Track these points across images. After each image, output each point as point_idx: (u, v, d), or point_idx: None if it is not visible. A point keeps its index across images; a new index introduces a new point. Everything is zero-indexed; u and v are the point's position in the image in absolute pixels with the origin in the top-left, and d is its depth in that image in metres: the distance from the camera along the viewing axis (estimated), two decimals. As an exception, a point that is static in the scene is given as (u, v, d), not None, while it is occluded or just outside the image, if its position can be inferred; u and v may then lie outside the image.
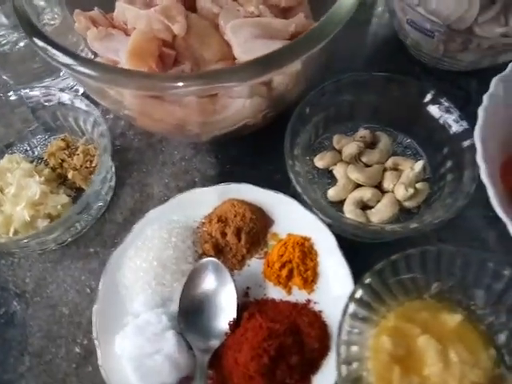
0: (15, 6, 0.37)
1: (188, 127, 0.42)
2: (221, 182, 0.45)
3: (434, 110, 0.43)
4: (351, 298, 0.33)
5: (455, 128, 0.41)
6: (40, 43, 0.35)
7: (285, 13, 0.47)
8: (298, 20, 0.45)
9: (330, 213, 0.38)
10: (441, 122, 0.42)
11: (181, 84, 0.32)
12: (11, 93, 0.45)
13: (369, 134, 0.46)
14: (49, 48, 0.34)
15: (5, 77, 0.50)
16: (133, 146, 0.50)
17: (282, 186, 0.44)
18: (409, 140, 0.46)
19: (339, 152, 0.46)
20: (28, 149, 0.48)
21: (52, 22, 0.47)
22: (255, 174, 0.48)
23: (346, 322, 0.32)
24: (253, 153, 0.49)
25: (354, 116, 0.47)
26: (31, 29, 0.36)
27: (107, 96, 0.39)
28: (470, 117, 0.40)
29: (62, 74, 0.51)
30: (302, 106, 0.42)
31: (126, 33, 0.45)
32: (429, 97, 0.43)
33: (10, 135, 0.48)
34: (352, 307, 0.33)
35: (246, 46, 0.42)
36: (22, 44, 0.47)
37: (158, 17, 0.42)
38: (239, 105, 0.40)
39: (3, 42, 0.46)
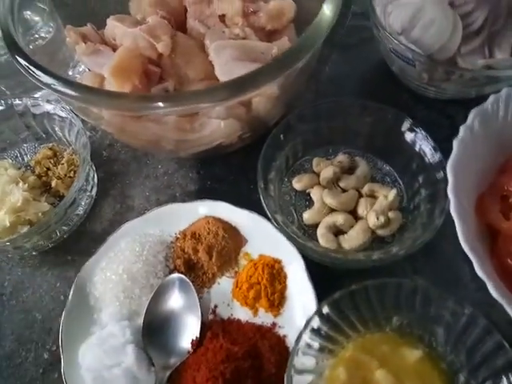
0: (0, 23, 0.39)
1: (163, 143, 0.42)
2: (200, 198, 0.46)
3: (410, 138, 0.43)
4: (306, 326, 0.33)
5: (431, 158, 0.41)
6: (22, 61, 0.36)
7: (270, 36, 0.48)
8: (280, 43, 0.45)
9: (297, 238, 0.39)
10: (417, 150, 0.42)
11: (153, 105, 0.33)
12: (2, 102, 0.47)
13: (347, 159, 0.46)
14: (30, 67, 0.36)
15: (2, 87, 0.51)
16: (119, 158, 0.52)
17: (260, 205, 0.44)
18: (388, 167, 0.46)
19: (317, 175, 0.46)
20: (18, 155, 0.50)
21: (46, 36, 0.48)
22: (235, 191, 0.48)
23: (301, 350, 0.33)
24: (235, 170, 0.50)
25: (334, 140, 0.47)
26: (14, 47, 0.37)
27: (87, 112, 0.40)
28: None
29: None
30: (276, 132, 0.43)
31: (114, 49, 0.46)
32: (406, 125, 0.43)
33: (2, 142, 0.50)
34: (307, 336, 0.33)
35: (227, 68, 0.43)
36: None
37: (143, 35, 0.43)
38: (215, 125, 0.41)
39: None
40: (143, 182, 0.50)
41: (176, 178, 0.50)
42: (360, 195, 0.45)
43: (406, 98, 0.53)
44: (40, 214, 0.44)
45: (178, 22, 0.49)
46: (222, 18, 0.47)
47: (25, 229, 0.43)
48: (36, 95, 0.52)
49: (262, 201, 0.40)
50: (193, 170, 0.50)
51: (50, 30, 0.48)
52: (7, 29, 0.39)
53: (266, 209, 0.40)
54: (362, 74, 0.56)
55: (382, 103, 0.47)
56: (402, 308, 0.34)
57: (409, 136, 0.43)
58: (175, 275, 0.40)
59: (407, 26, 0.44)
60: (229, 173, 0.50)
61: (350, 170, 0.46)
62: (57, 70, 0.49)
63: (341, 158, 0.46)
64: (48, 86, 0.35)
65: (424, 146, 0.42)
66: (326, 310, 0.33)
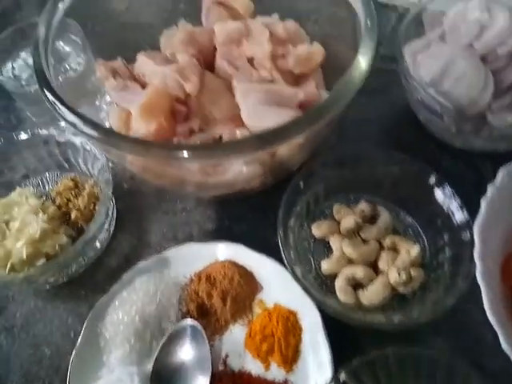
0: (33, 57, 0.39)
1: (184, 185, 0.42)
2: (218, 238, 0.46)
3: (437, 193, 0.42)
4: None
5: (457, 217, 0.40)
6: (50, 96, 0.36)
7: (297, 79, 0.48)
8: (307, 89, 0.45)
9: (314, 293, 0.38)
10: (443, 207, 0.41)
11: (178, 154, 0.33)
12: (29, 131, 0.47)
13: (369, 209, 0.45)
14: (57, 103, 0.36)
15: (28, 113, 0.52)
16: (139, 191, 0.52)
17: (279, 250, 0.43)
18: (411, 219, 0.45)
19: (338, 222, 0.45)
20: (40, 183, 0.50)
21: (77, 67, 0.49)
22: (253, 233, 0.48)
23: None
24: (254, 211, 0.49)
25: (356, 187, 0.47)
26: (44, 81, 0.37)
27: (110, 151, 0.40)
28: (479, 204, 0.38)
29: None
30: (298, 178, 0.42)
31: (143, 86, 0.47)
32: (432, 180, 0.42)
33: (25, 169, 0.50)
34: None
35: (253, 111, 0.43)
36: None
37: (172, 74, 0.44)
38: (238, 170, 0.41)
39: (29, 83, 0.49)
40: (161, 217, 0.50)
41: (194, 216, 0.50)
42: (381, 247, 0.43)
43: (431, 147, 0.52)
44: (57, 247, 0.44)
45: (207, 61, 0.50)
46: (251, 60, 0.47)
47: (41, 261, 0.43)
48: (62, 124, 0.53)
49: (282, 251, 0.39)
50: (211, 208, 0.50)
51: (81, 61, 0.49)
52: (39, 61, 0.40)
53: (284, 260, 0.39)
54: (387, 119, 0.55)
55: (406, 150, 0.47)
56: (423, 380, 0.32)
57: (435, 191, 0.42)
58: (188, 322, 0.39)
59: (437, 78, 0.43)
60: (248, 213, 0.49)
61: (371, 219, 0.45)
62: (85, 99, 0.52)
63: (363, 206, 0.45)
64: (73, 125, 0.35)
65: (450, 203, 0.41)
66: (343, 377, 0.32)
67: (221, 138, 0.44)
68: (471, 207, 0.39)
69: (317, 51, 0.47)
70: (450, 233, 0.40)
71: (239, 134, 0.43)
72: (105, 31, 0.55)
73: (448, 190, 0.41)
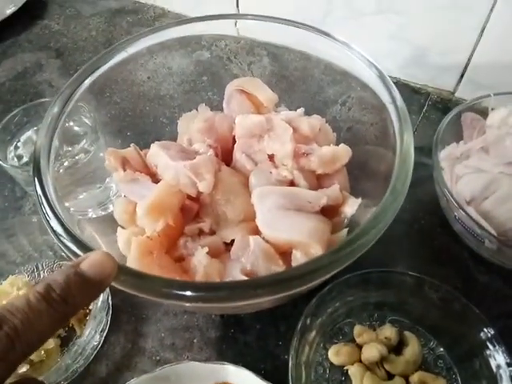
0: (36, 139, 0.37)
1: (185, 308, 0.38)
2: (220, 349, 0.41)
3: (476, 331, 0.36)
4: None
5: (498, 362, 0.34)
6: (38, 190, 0.33)
7: (320, 179, 0.44)
8: (330, 192, 0.41)
9: None
10: (483, 347, 0.35)
11: (181, 293, 0.28)
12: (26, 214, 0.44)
13: (395, 335, 0.39)
14: (42, 198, 0.33)
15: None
16: (139, 284, 0.47)
17: (287, 370, 0.38)
18: (442, 349, 0.39)
19: (358, 347, 0.40)
20: (35, 270, 0.47)
21: (90, 148, 0.46)
22: (261, 346, 0.42)
23: None
24: (263, 320, 0.44)
25: (381, 306, 0.41)
26: (37, 172, 0.34)
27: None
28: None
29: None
30: (316, 301, 0.37)
31: (154, 178, 0.43)
32: (472, 317, 0.36)
33: (21, 257, 0.47)
34: None
35: (269, 216, 0.39)
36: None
37: (185, 172, 0.41)
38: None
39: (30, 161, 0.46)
40: (160, 318, 0.45)
41: (196, 319, 0.45)
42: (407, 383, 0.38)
43: (465, 257, 0.47)
44: (43, 353, 0.39)
45: (225, 149, 0.47)
46: (271, 156, 0.44)
47: (23, 369, 0.39)
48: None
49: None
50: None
51: (93, 145, 0.46)
52: (39, 148, 0.36)
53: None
54: (415, 220, 0.50)
55: (438, 259, 0.42)
56: None
57: (474, 328, 0.36)
58: None
59: (478, 196, 0.39)
60: (256, 322, 0.44)
61: (398, 346, 0.40)
62: (94, 179, 0.49)
63: (388, 331, 0.40)
64: (56, 235, 0.31)
65: (492, 347, 0.35)
66: None
67: (232, 242, 0.40)
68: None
69: (342, 152, 0.43)
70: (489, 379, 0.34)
71: (252, 242, 0.38)
72: (124, 103, 0.53)
73: (491, 331, 0.35)
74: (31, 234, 0.45)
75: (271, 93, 0.47)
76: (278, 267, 0.38)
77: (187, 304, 0.28)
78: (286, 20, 0.46)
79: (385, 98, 0.41)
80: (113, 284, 0.28)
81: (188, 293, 0.27)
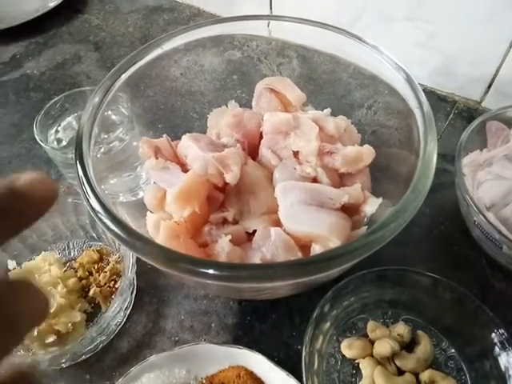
0: (78, 126, 0.39)
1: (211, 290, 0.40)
2: (237, 335, 0.43)
3: (489, 334, 0.37)
4: None
5: (508, 364, 0.35)
6: (80, 172, 0.35)
7: (343, 177, 0.46)
8: (352, 191, 0.43)
9: None
10: (494, 350, 0.36)
11: (203, 271, 0.30)
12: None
13: (407, 333, 0.40)
14: (85, 183, 0.35)
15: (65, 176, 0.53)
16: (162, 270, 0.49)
17: (300, 360, 0.39)
18: (453, 351, 0.40)
19: (371, 342, 0.41)
20: (66, 248, 0.50)
21: (124, 137, 0.49)
22: (276, 335, 0.44)
23: None
24: (279, 310, 0.46)
25: (396, 304, 0.42)
26: (79, 154, 0.37)
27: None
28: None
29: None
30: (330, 296, 0.39)
31: (183, 167, 0.46)
32: (485, 319, 0.37)
33: (54, 235, 0.49)
34: None
35: (292, 210, 0.41)
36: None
37: (214, 162, 0.43)
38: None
39: (69, 145, 0.49)
40: (181, 301, 0.47)
41: (215, 305, 0.46)
42: (417, 380, 0.38)
43: (483, 263, 0.48)
44: (70, 325, 0.42)
45: (252, 145, 0.49)
46: (296, 153, 0.46)
47: (51, 339, 0.41)
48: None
49: (304, 374, 0.35)
50: (234, 299, 0.47)
51: (127, 134, 0.49)
52: (81, 133, 0.39)
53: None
54: (435, 225, 0.51)
55: (454, 264, 0.43)
56: None
57: (487, 331, 0.37)
58: None
59: (498, 202, 0.40)
60: (272, 311, 0.46)
61: (410, 344, 0.41)
62: (125, 167, 0.51)
63: (401, 329, 0.41)
64: (95, 213, 0.33)
65: (504, 351, 0.35)
66: None
67: (254, 232, 0.42)
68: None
69: (366, 153, 0.45)
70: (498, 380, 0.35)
71: (273, 232, 0.40)
72: (157, 96, 0.56)
73: (504, 334, 0.36)
74: (65, 214, 0.48)
75: (299, 92, 0.49)
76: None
77: (210, 281, 0.30)
78: (317, 22, 0.48)
79: (412, 102, 0.42)
80: (146, 259, 0.30)
81: (211, 271, 0.29)
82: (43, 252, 0.48)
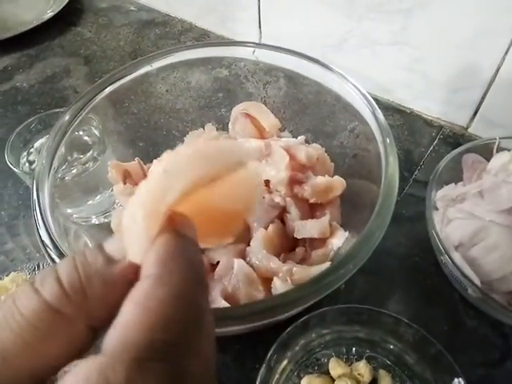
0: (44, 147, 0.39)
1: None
2: None
3: (446, 382, 0.36)
4: None
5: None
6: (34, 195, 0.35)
7: (312, 208, 0.45)
8: (318, 224, 0.42)
9: None
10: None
11: None
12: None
13: (369, 373, 0.39)
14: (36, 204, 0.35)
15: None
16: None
17: None
18: (417, 394, 0.39)
19: (332, 380, 0.40)
20: (35, 268, 0.49)
21: (98, 157, 0.49)
22: (237, 367, 0.43)
23: None
24: (243, 341, 0.44)
25: (359, 341, 0.41)
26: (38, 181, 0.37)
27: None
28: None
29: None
30: (291, 331, 0.38)
31: (152, 193, 0.45)
32: (444, 364, 0.36)
33: (25, 255, 0.50)
34: None
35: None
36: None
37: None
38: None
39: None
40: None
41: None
42: (377, 423, 0.37)
43: (455, 299, 0.46)
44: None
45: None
46: (267, 181, 0.45)
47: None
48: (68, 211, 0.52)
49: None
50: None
51: (100, 155, 0.49)
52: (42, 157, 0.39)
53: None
54: (409, 256, 0.50)
55: (425, 297, 0.42)
56: None
57: (448, 381, 0.36)
58: None
59: (466, 242, 0.39)
60: (236, 342, 0.45)
61: (371, 382, 0.40)
62: (101, 188, 0.51)
63: (362, 368, 0.39)
64: (43, 246, 0.33)
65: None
66: None
67: (218, 263, 0.41)
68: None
69: (337, 184, 0.44)
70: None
71: (236, 265, 0.40)
72: (140, 113, 0.56)
73: (461, 381, 0.35)
74: (34, 235, 0.48)
75: (274, 118, 0.49)
76: (258, 293, 0.39)
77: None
78: (290, 51, 0.48)
79: (373, 125, 0.41)
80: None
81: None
82: (12, 272, 0.48)
